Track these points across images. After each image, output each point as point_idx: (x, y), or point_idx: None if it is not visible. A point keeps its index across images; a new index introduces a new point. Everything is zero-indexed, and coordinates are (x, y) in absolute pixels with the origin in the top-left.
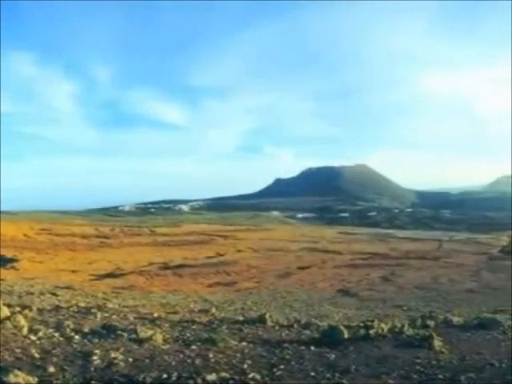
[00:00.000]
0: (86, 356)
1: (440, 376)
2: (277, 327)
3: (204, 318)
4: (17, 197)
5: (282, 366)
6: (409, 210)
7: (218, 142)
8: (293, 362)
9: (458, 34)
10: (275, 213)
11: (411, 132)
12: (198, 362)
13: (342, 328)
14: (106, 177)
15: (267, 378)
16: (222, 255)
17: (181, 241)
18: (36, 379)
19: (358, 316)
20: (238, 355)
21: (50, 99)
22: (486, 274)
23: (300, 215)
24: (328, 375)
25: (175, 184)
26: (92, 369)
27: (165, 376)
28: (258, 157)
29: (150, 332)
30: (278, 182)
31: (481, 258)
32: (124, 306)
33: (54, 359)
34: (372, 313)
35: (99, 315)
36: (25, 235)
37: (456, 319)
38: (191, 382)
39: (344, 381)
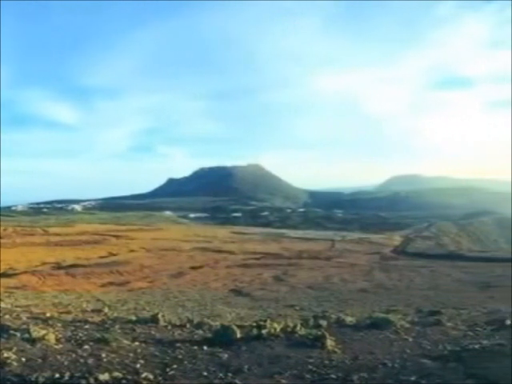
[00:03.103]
0: None
1: (333, 376)
2: (169, 327)
3: (97, 318)
4: None
5: (174, 366)
6: (301, 209)
7: (111, 141)
8: (185, 362)
9: (348, 34)
10: (168, 212)
11: (304, 132)
12: (90, 361)
13: (234, 328)
14: None
15: (160, 378)
16: (114, 255)
17: (73, 241)
18: None
19: (251, 316)
20: (131, 355)
21: None
22: (379, 273)
23: (193, 215)
24: (221, 375)
25: (68, 184)
26: None
27: (57, 376)
28: (151, 157)
29: (42, 332)
30: (171, 182)
31: (373, 257)
32: (16, 306)
33: None
34: (265, 312)
35: None
36: None
37: (349, 319)
38: (84, 381)
39: (237, 380)
